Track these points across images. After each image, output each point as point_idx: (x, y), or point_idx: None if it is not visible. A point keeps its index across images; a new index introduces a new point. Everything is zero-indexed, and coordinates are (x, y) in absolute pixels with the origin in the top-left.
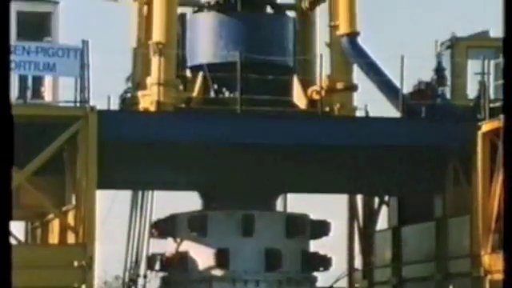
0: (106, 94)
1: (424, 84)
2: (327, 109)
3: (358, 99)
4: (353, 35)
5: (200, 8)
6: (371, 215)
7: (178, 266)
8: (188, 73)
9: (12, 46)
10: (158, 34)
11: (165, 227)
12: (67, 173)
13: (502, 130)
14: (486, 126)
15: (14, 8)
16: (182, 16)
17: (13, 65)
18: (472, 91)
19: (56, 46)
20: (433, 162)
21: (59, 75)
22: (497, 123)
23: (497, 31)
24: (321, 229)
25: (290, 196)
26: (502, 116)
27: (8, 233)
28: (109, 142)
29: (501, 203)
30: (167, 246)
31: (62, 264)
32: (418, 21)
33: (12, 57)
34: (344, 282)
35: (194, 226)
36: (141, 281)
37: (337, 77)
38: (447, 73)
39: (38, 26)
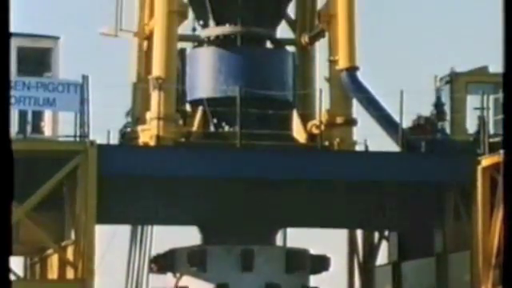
0: (105, 129)
1: (423, 119)
2: (327, 143)
3: (357, 134)
4: (352, 70)
5: (200, 43)
6: (371, 250)
7: None
8: (188, 107)
9: (12, 82)
10: (157, 69)
11: (164, 262)
12: (67, 207)
13: (502, 164)
14: (486, 161)
15: (15, 44)
16: (182, 51)
17: (13, 100)
18: (471, 126)
19: (56, 81)
20: (433, 197)
21: (59, 110)
22: (497, 158)
23: (496, 66)
24: (321, 264)
25: (289, 231)
26: (501, 151)
27: (8, 269)
28: (108, 176)
29: (501, 238)
30: (166, 281)
31: None
32: (418, 56)
33: (12, 92)
34: None
35: (194, 260)
36: None
37: (336, 111)
38: (447, 108)
39: (38, 62)
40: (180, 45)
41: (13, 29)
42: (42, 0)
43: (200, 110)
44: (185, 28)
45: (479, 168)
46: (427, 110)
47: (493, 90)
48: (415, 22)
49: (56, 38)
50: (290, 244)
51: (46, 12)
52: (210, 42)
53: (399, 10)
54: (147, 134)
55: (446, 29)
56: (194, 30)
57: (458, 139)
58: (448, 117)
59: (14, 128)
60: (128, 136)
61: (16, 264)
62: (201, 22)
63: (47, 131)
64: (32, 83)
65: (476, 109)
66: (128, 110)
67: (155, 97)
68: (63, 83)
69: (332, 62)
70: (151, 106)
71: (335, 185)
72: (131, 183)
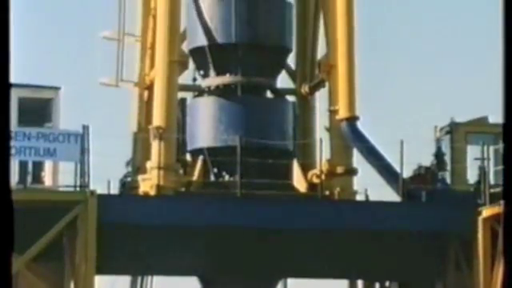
0: (106, 179)
1: (424, 169)
2: (327, 193)
3: (357, 183)
4: (352, 120)
5: (200, 93)
6: None
7: None
8: (188, 157)
9: (13, 132)
10: (158, 119)
11: None
12: (66, 258)
13: (502, 216)
14: (487, 212)
15: (16, 94)
16: (183, 100)
17: (13, 151)
18: (472, 176)
19: (56, 132)
20: (433, 247)
21: (59, 160)
22: (497, 209)
23: (496, 117)
24: None
25: (290, 281)
26: (501, 201)
27: None
28: (108, 226)
29: None
30: None
31: None
32: (418, 106)
33: (13, 143)
34: None
35: None
36: None
37: (337, 161)
38: (447, 158)
39: (39, 112)
40: (180, 94)
41: (13, 79)
42: (43, 51)
43: (200, 159)
44: (185, 78)
45: (480, 219)
46: (428, 160)
47: (493, 140)
48: (415, 73)
49: (57, 89)
50: None
51: (47, 63)
52: (210, 91)
53: (399, 60)
54: (147, 184)
55: (446, 79)
56: (194, 79)
57: (459, 189)
58: (448, 167)
59: (14, 178)
60: (128, 186)
61: None
62: (201, 72)
63: (47, 181)
64: (32, 133)
65: (476, 159)
66: (128, 160)
67: (155, 146)
68: (64, 133)
69: (332, 112)
70: (151, 155)
71: (336, 234)
72: (131, 233)
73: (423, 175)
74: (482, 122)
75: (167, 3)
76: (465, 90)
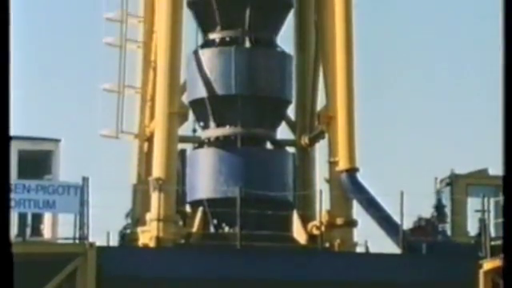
0: (105, 231)
1: (424, 220)
2: (327, 244)
3: (358, 235)
4: (352, 171)
5: (200, 144)
6: None
7: None
8: (188, 208)
9: (12, 185)
10: (158, 170)
11: None
12: None
13: (502, 269)
14: (488, 265)
15: (15, 146)
16: (182, 152)
17: (13, 203)
18: (473, 228)
19: (56, 184)
20: None
21: (59, 212)
22: (498, 261)
23: (496, 169)
24: None
25: None
26: (502, 255)
27: None
28: (108, 278)
29: None
30: None
31: None
32: (418, 157)
33: (12, 195)
34: None
35: None
36: None
37: (336, 212)
38: (447, 210)
39: (38, 164)
40: (180, 146)
41: (13, 132)
42: (43, 103)
43: (200, 210)
44: (185, 129)
45: (481, 271)
46: (428, 212)
47: (493, 192)
48: (415, 124)
49: (57, 141)
50: None
51: (47, 115)
52: (210, 143)
53: (400, 111)
54: (147, 236)
55: (447, 130)
56: (194, 131)
57: (460, 241)
58: (449, 219)
59: (13, 231)
60: (128, 237)
61: None
62: (201, 124)
63: (46, 233)
64: (32, 186)
65: (477, 211)
66: (128, 212)
67: (155, 198)
68: (63, 185)
69: (332, 164)
70: (151, 207)
71: (336, 286)
72: (131, 285)
73: (423, 227)
74: (482, 174)
75: (167, 56)
76: (465, 142)
